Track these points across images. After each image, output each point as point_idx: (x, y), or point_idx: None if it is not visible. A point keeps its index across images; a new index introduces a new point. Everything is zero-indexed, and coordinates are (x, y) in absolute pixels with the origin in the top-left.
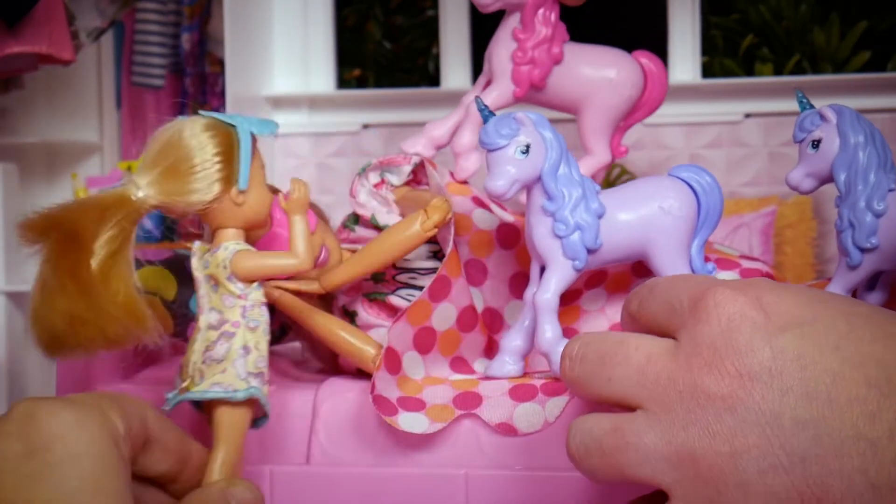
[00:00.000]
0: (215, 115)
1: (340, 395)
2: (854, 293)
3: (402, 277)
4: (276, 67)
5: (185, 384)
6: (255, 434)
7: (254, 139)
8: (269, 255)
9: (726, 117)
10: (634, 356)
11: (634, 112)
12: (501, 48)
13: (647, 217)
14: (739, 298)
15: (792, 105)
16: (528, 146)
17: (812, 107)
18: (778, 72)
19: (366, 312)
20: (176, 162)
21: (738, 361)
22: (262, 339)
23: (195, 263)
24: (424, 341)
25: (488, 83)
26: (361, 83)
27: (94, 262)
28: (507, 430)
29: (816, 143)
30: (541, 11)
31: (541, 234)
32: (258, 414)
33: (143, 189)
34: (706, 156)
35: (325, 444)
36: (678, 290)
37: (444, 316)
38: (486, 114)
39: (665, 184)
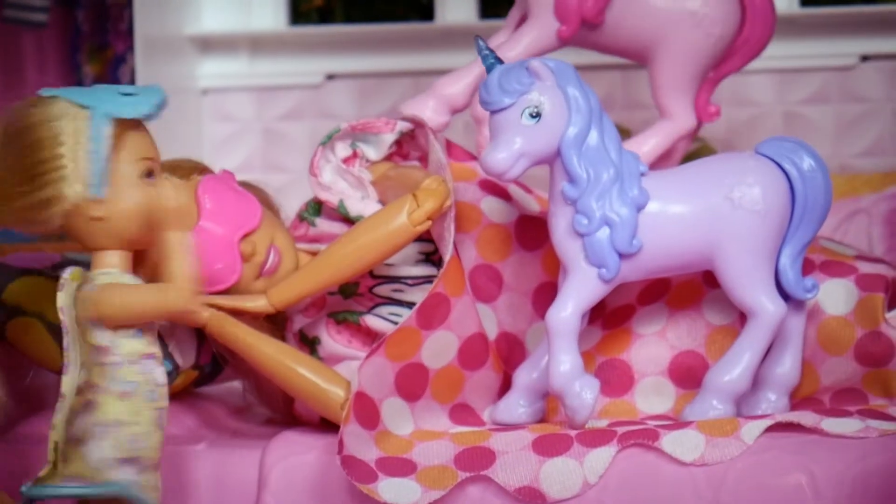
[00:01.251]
0: (62, 92)
1: (296, 457)
2: None
3: (383, 290)
4: None
5: (43, 472)
6: None
7: (127, 122)
8: (132, 291)
9: (835, 61)
10: None
11: (728, 58)
12: None
13: (709, 211)
14: None
15: None
16: (540, 108)
17: None
18: None
19: (332, 339)
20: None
21: None
22: (142, 408)
23: (63, 300)
24: (411, 383)
25: (523, 20)
26: (325, 16)
27: None
28: (531, 495)
29: None
30: None
31: (561, 229)
32: None
33: None
34: (806, 115)
35: None
36: None
37: (439, 349)
38: (491, 61)
39: (742, 165)
